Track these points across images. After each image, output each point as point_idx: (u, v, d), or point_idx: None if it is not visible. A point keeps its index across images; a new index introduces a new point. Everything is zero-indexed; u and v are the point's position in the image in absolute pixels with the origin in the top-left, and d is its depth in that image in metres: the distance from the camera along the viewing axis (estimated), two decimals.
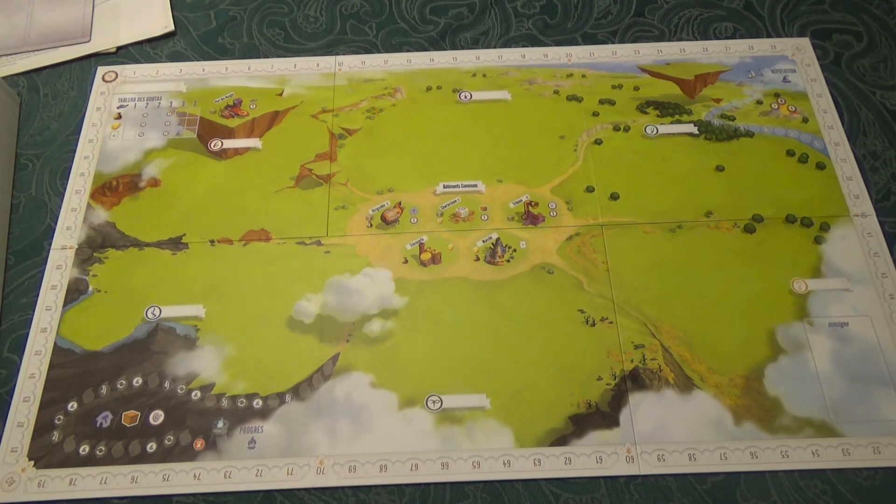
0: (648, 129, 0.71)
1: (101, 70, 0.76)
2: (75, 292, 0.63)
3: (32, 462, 0.55)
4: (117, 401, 0.58)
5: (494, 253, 0.65)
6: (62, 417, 0.57)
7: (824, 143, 0.70)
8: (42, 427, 0.57)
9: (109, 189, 0.69)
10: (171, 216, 0.67)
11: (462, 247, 0.65)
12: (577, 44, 0.78)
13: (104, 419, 0.57)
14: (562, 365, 0.59)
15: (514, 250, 0.65)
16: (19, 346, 0.61)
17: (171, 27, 0.79)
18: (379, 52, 0.78)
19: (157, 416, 0.57)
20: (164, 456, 0.56)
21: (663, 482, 0.55)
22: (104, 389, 0.58)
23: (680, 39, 0.78)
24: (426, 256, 0.64)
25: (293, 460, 0.55)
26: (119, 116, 0.73)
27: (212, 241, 0.65)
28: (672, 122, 0.71)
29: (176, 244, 0.65)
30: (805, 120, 0.71)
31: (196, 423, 0.57)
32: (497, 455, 0.55)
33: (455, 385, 0.58)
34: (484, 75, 0.75)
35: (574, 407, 0.57)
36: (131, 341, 0.60)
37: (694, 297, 0.62)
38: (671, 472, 0.55)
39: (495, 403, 0.57)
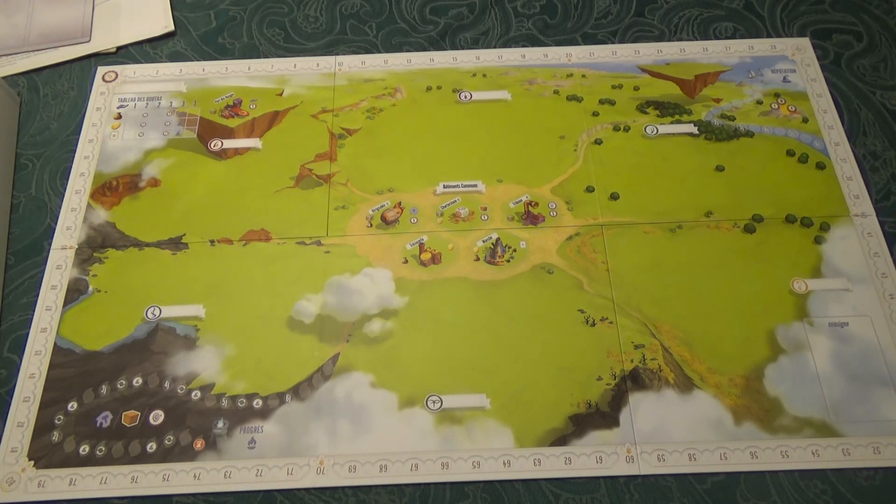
0: (648, 129, 0.71)
1: (101, 70, 0.76)
2: (75, 292, 0.63)
3: (32, 462, 0.55)
4: (117, 401, 0.58)
5: (494, 253, 0.65)
6: (62, 417, 0.57)
7: (824, 143, 0.70)
8: (42, 427, 0.57)
9: (109, 189, 0.69)
10: (171, 216, 0.67)
11: (462, 247, 0.65)
12: (577, 44, 0.78)
13: (104, 419, 0.57)
14: (562, 365, 0.59)
15: (514, 250, 0.65)
16: (19, 346, 0.61)
17: (171, 27, 0.79)
18: (379, 52, 0.78)
19: (157, 416, 0.57)
20: (164, 456, 0.56)
21: (663, 482, 0.55)
22: (104, 389, 0.58)
23: (680, 39, 0.78)
24: (426, 256, 0.64)
25: (293, 460, 0.55)
26: (119, 116, 0.73)
27: (212, 241, 0.65)
28: (672, 122, 0.71)
29: (176, 244, 0.65)
30: (805, 120, 0.71)
31: (196, 423, 0.57)
32: (497, 455, 0.55)
33: (455, 385, 0.58)
34: (484, 75, 0.75)
35: (574, 407, 0.57)
36: (131, 341, 0.60)
37: (694, 297, 0.62)
38: (671, 472, 0.55)
39: (495, 403, 0.57)
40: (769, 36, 0.78)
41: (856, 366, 0.58)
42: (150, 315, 0.62)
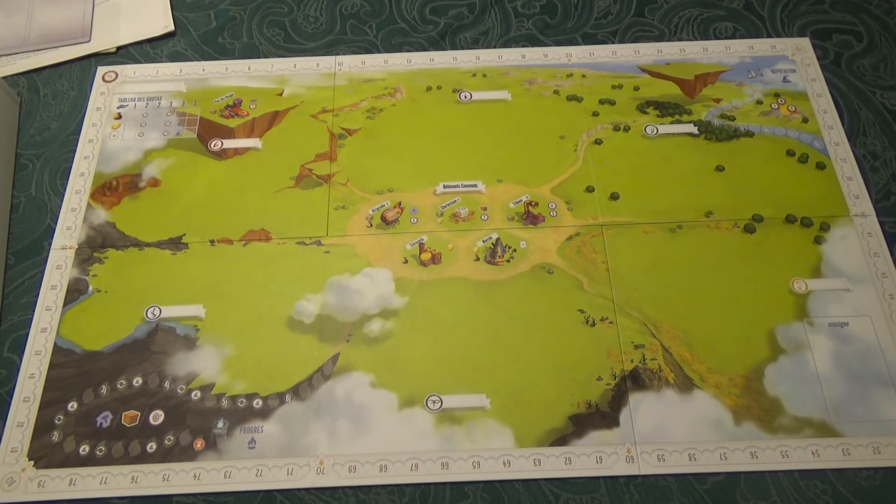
0: (648, 129, 0.71)
1: (101, 70, 0.76)
2: (75, 292, 0.63)
3: (32, 462, 0.55)
4: (117, 401, 0.58)
5: (494, 253, 0.65)
6: (62, 417, 0.57)
7: (824, 143, 0.70)
8: (42, 427, 0.57)
9: (109, 189, 0.69)
10: (171, 216, 0.67)
11: (462, 247, 0.65)
12: (577, 44, 0.78)
13: (104, 419, 0.57)
14: (562, 365, 0.59)
15: (514, 250, 0.65)
16: (19, 346, 0.61)
17: (171, 27, 0.79)
18: (379, 52, 0.78)
19: (157, 416, 0.57)
20: (164, 456, 0.56)
21: (663, 482, 0.55)
22: (104, 389, 0.58)
23: (680, 39, 0.78)
24: (426, 256, 0.64)
25: (293, 460, 0.55)
26: (119, 116, 0.73)
27: (212, 241, 0.65)
28: (672, 122, 0.71)
29: (176, 244, 0.65)
30: (805, 120, 0.71)
31: (196, 423, 0.57)
32: (497, 455, 0.55)
33: (455, 385, 0.58)
34: (484, 75, 0.75)
35: (574, 407, 0.57)
36: (131, 341, 0.60)
37: (694, 297, 0.62)
38: (671, 472, 0.55)
39: (495, 403, 0.57)
40: (769, 36, 0.78)
41: (856, 366, 0.58)
42: (150, 315, 0.62)
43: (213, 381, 0.59)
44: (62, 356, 0.60)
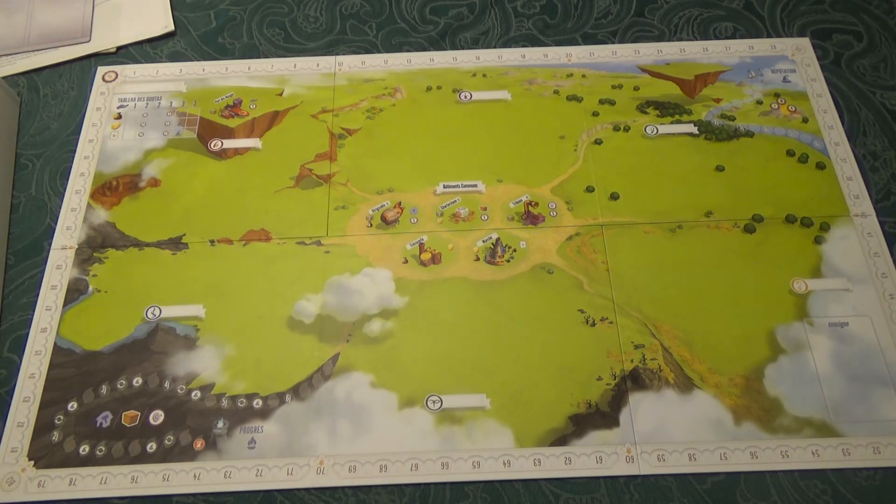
0: (648, 129, 0.71)
1: (101, 70, 0.76)
2: (75, 292, 0.63)
3: (32, 462, 0.55)
4: (117, 401, 0.58)
5: (494, 253, 0.65)
6: (62, 417, 0.57)
7: (824, 143, 0.70)
8: (42, 427, 0.57)
9: (109, 189, 0.69)
10: (171, 216, 0.67)
11: (462, 247, 0.65)
12: (577, 44, 0.78)
13: (104, 419, 0.57)
14: (562, 365, 0.59)
15: (514, 250, 0.65)
16: (19, 346, 0.61)
17: (171, 27, 0.79)
18: (379, 52, 0.78)
19: (157, 416, 0.57)
20: (164, 456, 0.56)
21: (663, 482, 0.55)
22: (104, 389, 0.58)
23: (680, 39, 0.78)
24: (426, 256, 0.64)
25: (293, 460, 0.55)
26: (119, 116, 0.73)
27: (212, 241, 0.65)
28: (672, 122, 0.71)
29: (176, 244, 0.65)
30: (805, 120, 0.71)
31: (196, 423, 0.57)
32: (497, 455, 0.55)
33: (455, 385, 0.58)
34: (484, 75, 0.75)
35: (574, 407, 0.57)
36: (131, 341, 0.60)
37: (694, 297, 0.62)
38: (671, 472, 0.55)
39: (495, 403, 0.57)
40: (769, 36, 0.78)
41: (856, 366, 0.58)
42: (150, 315, 0.62)
43: (213, 381, 0.59)
44: (62, 356, 0.60)
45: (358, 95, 0.74)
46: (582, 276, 0.63)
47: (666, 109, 0.72)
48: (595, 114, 0.72)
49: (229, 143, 0.71)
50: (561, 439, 0.56)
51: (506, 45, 0.78)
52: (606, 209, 0.67)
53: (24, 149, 0.72)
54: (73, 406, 0.58)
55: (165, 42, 0.79)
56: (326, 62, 0.76)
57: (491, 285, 0.63)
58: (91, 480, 0.55)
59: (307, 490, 0.55)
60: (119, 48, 0.78)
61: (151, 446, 0.56)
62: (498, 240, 0.65)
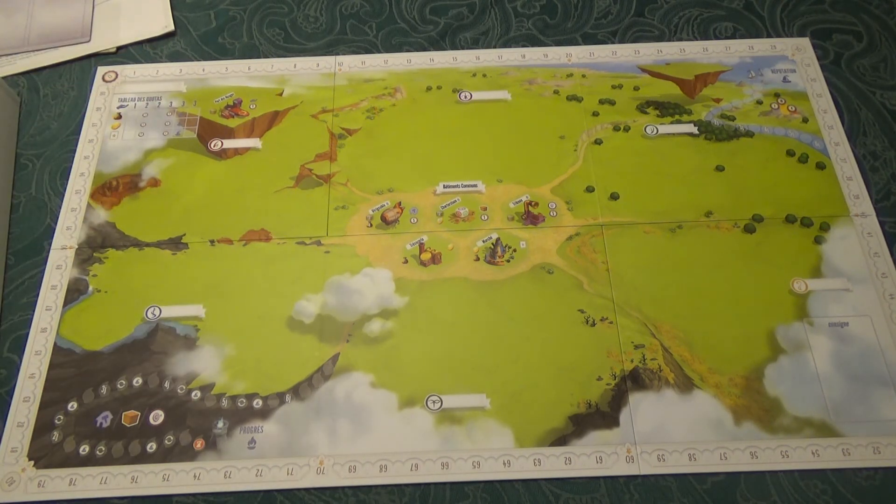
0: (648, 129, 0.71)
1: (101, 70, 0.76)
2: (75, 292, 0.63)
3: (32, 462, 0.55)
4: (117, 401, 0.58)
5: (494, 253, 0.65)
6: (62, 417, 0.57)
7: (824, 143, 0.70)
8: (42, 427, 0.57)
9: (109, 189, 0.69)
10: (171, 216, 0.67)
11: (462, 247, 0.65)
12: (577, 44, 0.78)
13: (104, 419, 0.57)
14: (562, 365, 0.59)
15: (514, 250, 0.65)
16: (19, 346, 0.61)
17: (171, 27, 0.79)
18: (379, 52, 0.78)
19: (157, 416, 0.57)
20: (164, 456, 0.56)
21: (663, 482, 0.55)
22: (104, 389, 0.58)
23: (680, 39, 0.78)
24: (426, 256, 0.64)
25: (293, 460, 0.55)
26: (119, 116, 0.73)
27: (212, 241, 0.65)
28: (672, 122, 0.71)
29: (176, 244, 0.65)
30: (805, 120, 0.71)
31: (196, 423, 0.57)
32: (497, 455, 0.55)
33: (455, 385, 0.58)
34: (484, 75, 0.75)
35: (574, 407, 0.57)
36: (131, 341, 0.60)
37: (694, 297, 0.62)
38: (671, 472, 0.55)
39: (495, 403, 0.57)
40: (769, 36, 0.78)
41: (856, 366, 0.58)
42: (150, 315, 0.62)
43: (213, 381, 0.59)
44: (62, 356, 0.60)
45: (358, 95, 0.74)
46: (582, 276, 0.63)
47: (666, 109, 0.72)
48: (595, 114, 0.72)
49: (229, 143, 0.71)
50: (561, 439, 0.56)
51: (506, 45, 0.78)
52: (606, 209, 0.67)
53: (24, 149, 0.72)
54: (73, 406, 0.58)
55: (165, 42, 0.79)
56: (326, 62, 0.76)
57: (491, 285, 0.63)
58: (91, 480, 0.55)
59: (307, 490, 0.55)
60: (119, 48, 0.78)
61: (151, 446, 0.56)
62: (498, 240, 0.65)
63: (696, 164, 0.69)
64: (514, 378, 0.58)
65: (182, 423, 0.57)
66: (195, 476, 0.55)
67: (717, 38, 0.78)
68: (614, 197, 0.67)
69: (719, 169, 0.69)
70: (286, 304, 0.62)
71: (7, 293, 0.64)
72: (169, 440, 0.56)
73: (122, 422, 0.57)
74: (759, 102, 0.73)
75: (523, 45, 0.78)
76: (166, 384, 0.58)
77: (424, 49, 0.78)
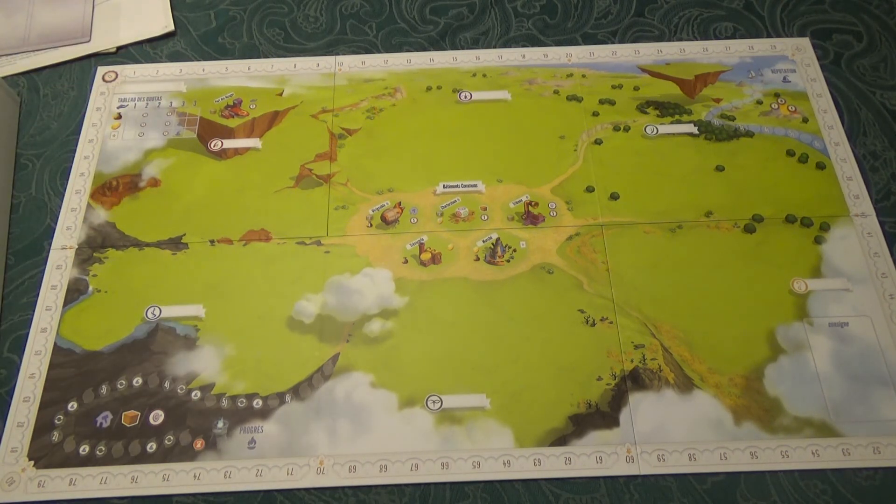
0: (648, 129, 0.71)
1: (101, 70, 0.76)
2: (75, 292, 0.63)
3: (32, 462, 0.55)
4: (117, 401, 0.58)
5: (494, 253, 0.65)
6: (62, 417, 0.57)
7: (824, 143, 0.70)
8: (42, 427, 0.57)
9: (109, 189, 0.69)
10: (171, 216, 0.67)
11: (462, 247, 0.65)
12: (577, 44, 0.78)
13: (104, 419, 0.57)
14: (562, 365, 0.59)
15: (514, 250, 0.65)
16: (19, 346, 0.61)
17: (171, 27, 0.79)
18: (379, 52, 0.78)
19: (157, 416, 0.57)
20: (164, 456, 0.56)
21: (663, 482, 0.55)
22: (104, 389, 0.58)
23: (680, 39, 0.78)
24: (426, 256, 0.64)
25: (293, 460, 0.55)
26: (119, 116, 0.73)
27: (212, 241, 0.65)
28: (672, 122, 0.71)
29: (176, 244, 0.65)
30: (805, 120, 0.71)
31: (196, 423, 0.57)
32: (497, 455, 0.55)
33: (455, 385, 0.58)
34: (484, 75, 0.75)
35: (574, 407, 0.57)
36: (131, 341, 0.60)
37: (694, 297, 0.62)
38: (671, 472, 0.55)
39: (495, 403, 0.57)
40: (769, 36, 0.78)
41: (856, 366, 0.58)
42: (150, 315, 0.62)
43: (213, 381, 0.59)
44: (62, 356, 0.60)
45: (358, 95, 0.74)
46: (582, 276, 0.63)
47: (666, 109, 0.72)
48: (595, 114, 0.72)
49: (229, 143, 0.71)
50: (561, 439, 0.56)
51: (506, 45, 0.78)
52: (606, 209, 0.67)
53: (24, 149, 0.72)
54: (73, 406, 0.58)
55: (165, 42, 0.79)
56: (326, 62, 0.76)
57: (491, 285, 0.63)
58: (91, 480, 0.55)
59: (307, 490, 0.55)
60: (119, 48, 0.78)
61: (151, 446, 0.56)
62: (498, 240, 0.65)
63: (696, 164, 0.69)
64: (514, 378, 0.58)
65: (182, 423, 0.57)
66: (195, 476, 0.55)
67: (717, 38, 0.78)
68: (614, 197, 0.67)
69: (719, 169, 0.69)
70: (286, 304, 0.62)
71: (7, 293, 0.64)
72: (169, 440, 0.56)
73: (122, 422, 0.57)
74: (759, 102, 0.73)
75: (523, 45, 0.78)
76: (166, 384, 0.58)
77: (424, 49, 0.78)
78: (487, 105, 0.73)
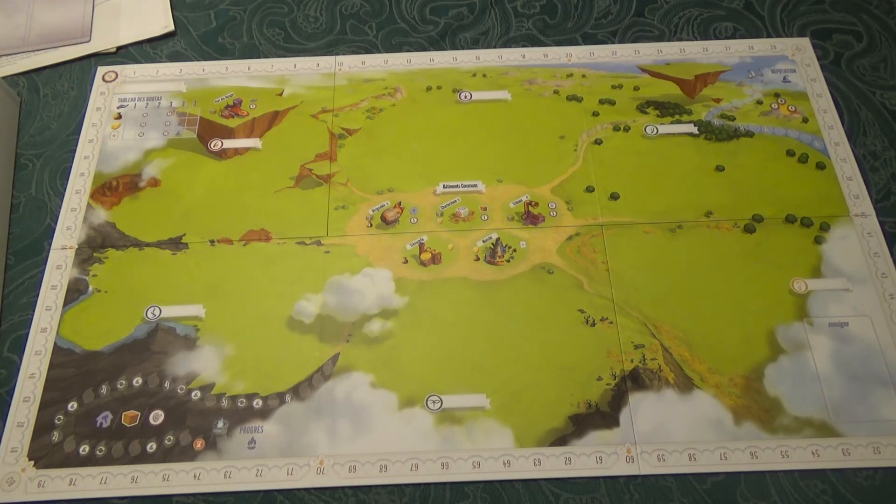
0: (648, 129, 0.71)
1: (101, 70, 0.76)
2: (75, 292, 0.63)
3: (32, 462, 0.55)
4: (117, 401, 0.58)
5: (494, 253, 0.65)
6: (62, 417, 0.57)
7: (824, 143, 0.70)
8: (42, 427, 0.57)
9: (109, 189, 0.69)
10: (171, 216, 0.67)
11: (462, 247, 0.65)
12: (577, 44, 0.78)
13: (104, 419, 0.57)
14: (562, 365, 0.59)
15: (514, 250, 0.65)
16: (19, 346, 0.61)
17: (171, 27, 0.79)
18: (379, 52, 0.78)
19: (157, 416, 0.57)
20: (164, 456, 0.56)
21: (663, 482, 0.55)
22: (104, 389, 0.58)
23: (680, 39, 0.78)
24: (426, 256, 0.64)
25: (293, 460, 0.55)
26: (119, 116, 0.73)
27: (212, 241, 0.65)
28: (672, 122, 0.71)
29: (176, 244, 0.65)
30: (805, 120, 0.71)
31: (196, 423, 0.57)
32: (497, 455, 0.55)
33: (455, 385, 0.58)
34: (484, 75, 0.75)
35: (574, 407, 0.57)
36: (131, 341, 0.60)
37: (694, 297, 0.62)
38: (671, 472, 0.55)
39: (495, 403, 0.57)
40: (769, 36, 0.78)
41: (856, 366, 0.58)
42: (150, 315, 0.62)
43: (213, 381, 0.59)
44: (62, 356, 0.60)
45: (358, 95, 0.74)
46: (582, 276, 0.63)
47: (666, 109, 0.72)
48: (595, 114, 0.72)
49: (229, 143, 0.71)
50: (561, 439, 0.56)
51: (506, 45, 0.78)
52: (606, 209, 0.67)
53: (24, 149, 0.72)
54: (73, 406, 0.58)
55: (165, 42, 0.79)
56: (326, 62, 0.76)
57: (491, 285, 0.63)
58: (91, 480, 0.55)
59: (307, 490, 0.55)
60: (119, 48, 0.78)
61: (151, 446, 0.56)
62: (498, 240, 0.65)
63: (696, 164, 0.69)
64: (514, 378, 0.58)
65: (182, 423, 0.57)
66: (195, 476, 0.55)
67: (717, 38, 0.78)
68: (614, 197, 0.67)
69: (719, 169, 0.69)
70: (286, 304, 0.62)
71: (7, 293, 0.64)
72: (169, 440, 0.56)
73: (122, 422, 0.57)
74: (759, 102, 0.73)
75: (523, 45, 0.78)
76: (166, 384, 0.58)
77: (424, 49, 0.78)
78: (487, 105, 0.73)
